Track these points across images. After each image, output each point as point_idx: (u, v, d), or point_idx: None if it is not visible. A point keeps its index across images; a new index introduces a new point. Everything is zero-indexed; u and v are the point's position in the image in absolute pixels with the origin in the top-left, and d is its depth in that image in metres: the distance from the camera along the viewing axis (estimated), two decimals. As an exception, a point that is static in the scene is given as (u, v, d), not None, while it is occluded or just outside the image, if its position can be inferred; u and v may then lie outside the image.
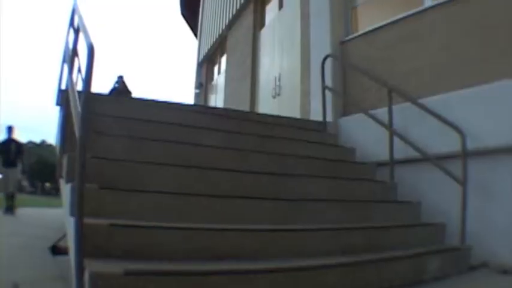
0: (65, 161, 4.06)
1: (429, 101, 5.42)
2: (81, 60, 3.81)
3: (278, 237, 3.78)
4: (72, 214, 3.08)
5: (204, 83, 15.62)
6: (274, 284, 3.16)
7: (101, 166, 3.78)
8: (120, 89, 13.77)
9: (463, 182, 4.86)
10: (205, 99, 15.21)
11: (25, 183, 76.65)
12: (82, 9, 3.97)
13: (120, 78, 14.18)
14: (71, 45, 4.28)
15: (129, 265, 2.69)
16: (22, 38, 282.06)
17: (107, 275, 2.56)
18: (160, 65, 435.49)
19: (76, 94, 3.73)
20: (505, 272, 4.32)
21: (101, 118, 4.51)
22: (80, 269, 2.67)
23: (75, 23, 3.88)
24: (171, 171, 4.23)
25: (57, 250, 3.90)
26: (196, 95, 15.67)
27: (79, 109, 3.32)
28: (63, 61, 4.37)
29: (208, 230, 3.46)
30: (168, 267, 2.92)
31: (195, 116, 6.10)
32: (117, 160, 4.03)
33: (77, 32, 3.92)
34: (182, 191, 3.95)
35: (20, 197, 13.29)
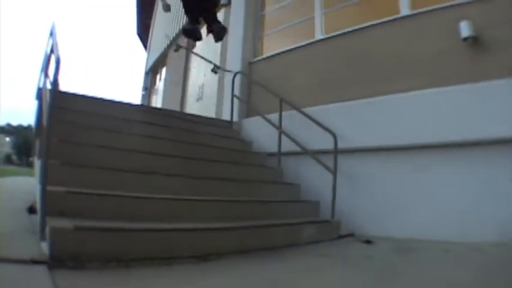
0: (37, 143, 4.24)
1: (312, 110, 5.47)
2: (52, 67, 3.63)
3: (187, 204, 3.79)
4: (39, 183, 3.08)
5: (148, 87, 15.24)
6: (184, 239, 3.20)
7: (63, 147, 3.71)
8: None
9: (334, 172, 4.88)
10: (149, 100, 14.87)
11: (14, 157, 74.57)
12: (58, 29, 3.97)
13: None
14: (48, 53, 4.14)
15: (79, 223, 2.77)
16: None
17: (61, 229, 2.63)
18: (118, 72, 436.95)
19: (47, 92, 3.58)
20: (366, 241, 4.34)
21: (65, 111, 4.37)
22: (43, 224, 2.78)
23: (50, 42, 3.82)
24: (114, 153, 4.17)
25: (33, 210, 3.69)
26: (143, 97, 15.29)
27: (48, 103, 3.33)
28: (42, 66, 4.22)
29: (137, 198, 3.50)
30: (106, 224, 2.97)
31: (138, 113, 6.10)
32: (76, 144, 3.96)
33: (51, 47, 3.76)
34: (121, 168, 3.92)
35: (9, 168, 12.55)
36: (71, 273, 2.42)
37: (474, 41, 4.36)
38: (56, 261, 2.47)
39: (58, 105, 3.56)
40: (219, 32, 5.67)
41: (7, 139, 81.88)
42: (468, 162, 4.28)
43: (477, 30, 4.34)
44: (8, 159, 71.71)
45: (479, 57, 4.35)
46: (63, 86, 3.60)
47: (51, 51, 3.68)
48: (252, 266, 3.09)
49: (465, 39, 4.38)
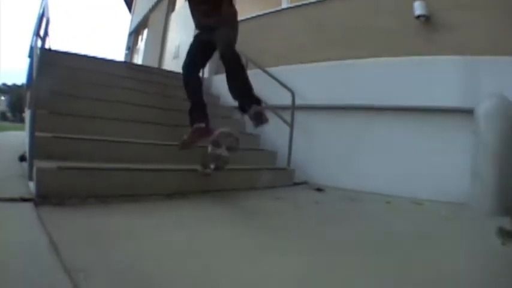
0: (27, 95, 4.34)
1: (274, 70, 5.58)
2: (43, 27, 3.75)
3: (161, 148, 4.00)
4: (29, 130, 3.22)
5: (131, 47, 15.04)
6: (154, 178, 3.35)
7: (51, 99, 3.79)
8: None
9: (291, 125, 5.11)
10: (131, 58, 14.68)
11: (9, 114, 72.89)
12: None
13: None
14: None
15: (62, 164, 2.87)
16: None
17: (46, 170, 2.73)
18: (105, 33, 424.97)
19: (37, 49, 3.59)
20: (318, 189, 4.56)
21: (54, 67, 4.35)
22: (31, 166, 2.84)
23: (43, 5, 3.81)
24: (98, 103, 4.31)
25: (24, 159, 3.75)
26: (126, 56, 15.12)
27: (37, 58, 3.43)
28: (35, 27, 4.19)
29: (116, 142, 3.68)
30: (86, 165, 3.06)
31: (120, 68, 6.25)
32: (63, 95, 4.08)
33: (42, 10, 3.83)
34: (104, 117, 4.08)
35: (4, 124, 12.32)
36: (54, 208, 2.52)
37: (426, 19, 4.59)
38: (42, 199, 2.58)
39: (47, 61, 3.70)
40: (256, 116, 3.39)
41: (2, 98, 79.93)
42: (421, 127, 4.54)
43: (430, 10, 4.56)
44: (2, 116, 70.16)
45: (430, 34, 4.60)
46: (53, 45, 3.77)
47: (43, 13, 3.73)
48: (213, 203, 3.32)
49: (418, 17, 4.61)
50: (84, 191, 2.85)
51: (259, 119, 3.36)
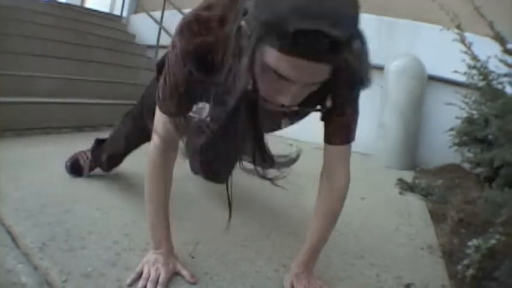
0: None
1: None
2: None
3: (75, 83, 4.06)
4: None
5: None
6: (66, 112, 3.54)
7: None
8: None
9: None
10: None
11: None
12: None
13: None
14: None
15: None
16: None
17: None
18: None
19: None
20: None
21: None
22: None
23: None
24: (16, 39, 4.23)
25: None
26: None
27: None
28: None
29: (32, 77, 3.70)
30: (2, 99, 3.08)
31: (42, 5, 5.81)
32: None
33: None
34: (21, 52, 4.01)
35: None
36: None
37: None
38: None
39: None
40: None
41: None
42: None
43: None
44: None
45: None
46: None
47: None
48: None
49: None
50: (2, 125, 2.95)
51: None
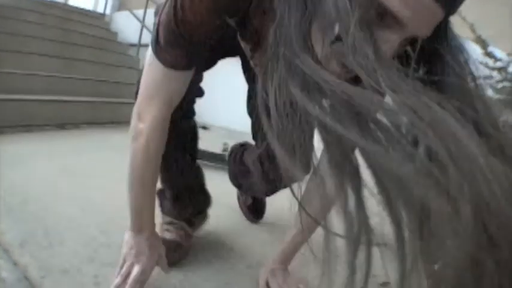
0: None
1: None
2: None
3: (59, 81, 4.09)
4: None
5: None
6: (48, 109, 3.53)
7: None
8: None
9: None
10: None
11: None
12: None
13: None
14: None
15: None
16: None
17: None
18: None
19: None
20: (203, 127, 4.66)
21: None
22: None
23: None
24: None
25: None
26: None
27: None
28: None
29: (14, 74, 3.67)
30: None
31: (27, 2, 5.71)
32: None
33: None
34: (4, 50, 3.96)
35: None
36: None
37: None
38: None
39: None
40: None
41: None
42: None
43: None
44: None
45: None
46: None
47: None
48: (102, 133, 3.67)
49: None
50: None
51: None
